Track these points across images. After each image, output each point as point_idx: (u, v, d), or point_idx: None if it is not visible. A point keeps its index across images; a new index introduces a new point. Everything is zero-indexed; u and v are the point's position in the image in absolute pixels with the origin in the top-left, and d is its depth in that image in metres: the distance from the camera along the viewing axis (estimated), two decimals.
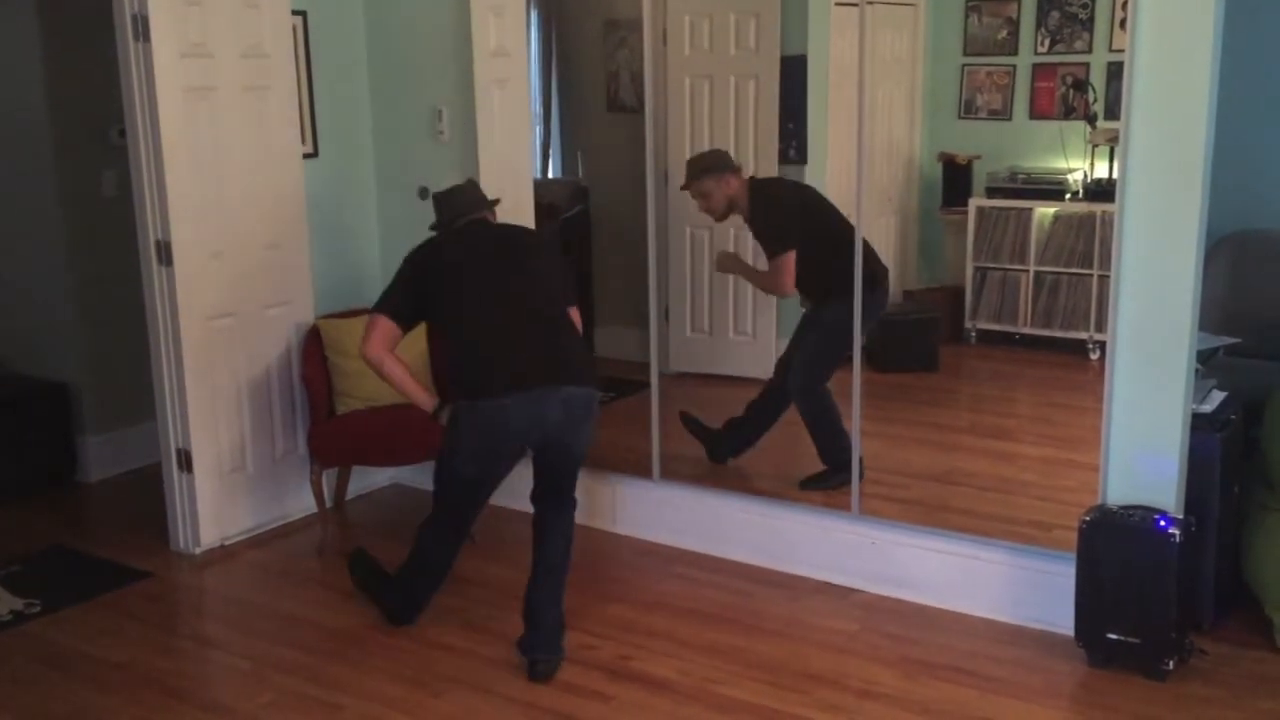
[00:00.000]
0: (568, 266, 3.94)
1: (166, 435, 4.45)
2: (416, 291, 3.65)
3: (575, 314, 3.72)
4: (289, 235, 4.64)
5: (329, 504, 4.72)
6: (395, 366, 3.63)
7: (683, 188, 4.60)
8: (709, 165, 4.54)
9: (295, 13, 4.61)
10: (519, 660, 3.57)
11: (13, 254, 5.27)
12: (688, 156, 5.02)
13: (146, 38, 4.11)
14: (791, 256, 4.37)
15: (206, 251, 4.37)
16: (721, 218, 4.58)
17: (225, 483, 4.53)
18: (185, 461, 4.44)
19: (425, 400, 3.68)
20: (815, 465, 4.45)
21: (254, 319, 4.56)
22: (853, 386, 4.11)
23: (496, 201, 3.93)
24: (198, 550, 4.48)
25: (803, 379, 4.51)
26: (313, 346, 4.61)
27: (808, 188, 4.75)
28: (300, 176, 4.66)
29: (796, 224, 4.47)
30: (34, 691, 3.54)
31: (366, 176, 5.00)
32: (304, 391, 4.63)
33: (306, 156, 4.73)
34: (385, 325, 3.62)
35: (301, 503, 4.72)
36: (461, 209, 3.82)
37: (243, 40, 4.39)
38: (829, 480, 4.33)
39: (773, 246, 4.45)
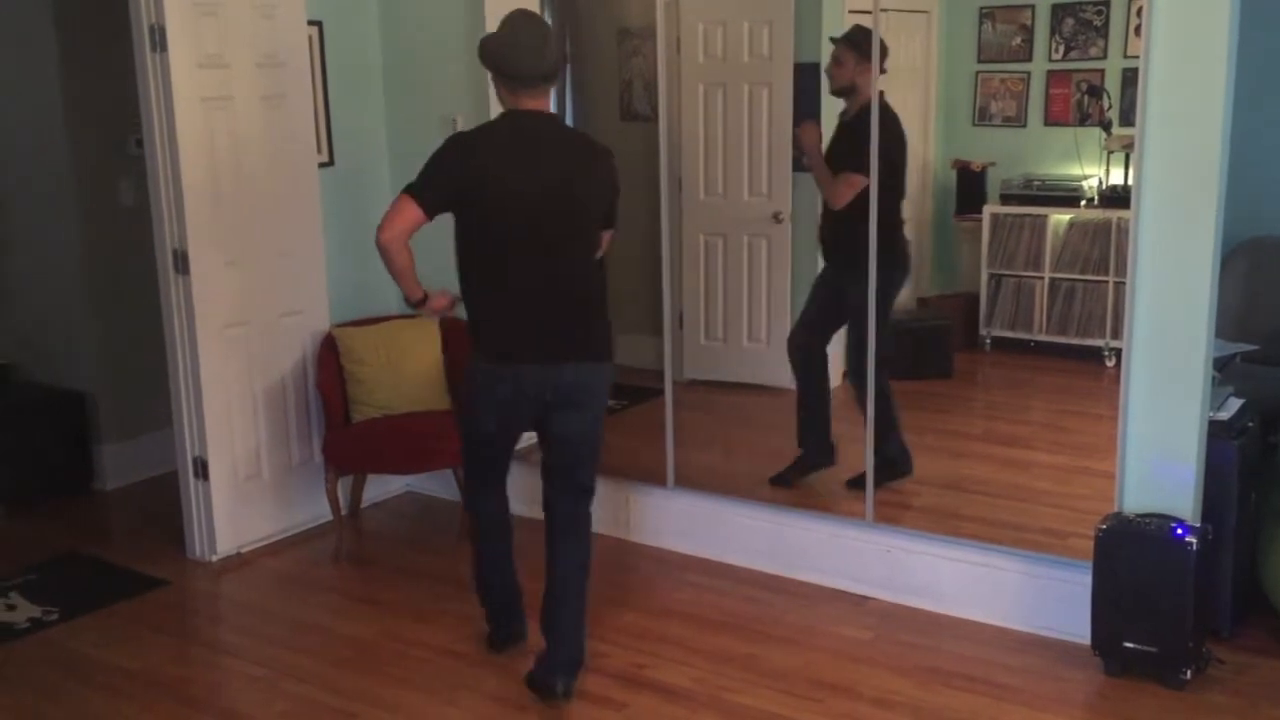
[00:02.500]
0: (612, 190, 3.47)
1: (183, 443, 4.47)
2: (453, 188, 3.25)
3: (606, 238, 3.49)
4: (304, 244, 4.66)
5: (344, 511, 4.73)
6: (401, 255, 3.30)
7: (833, 38, 4.38)
8: (862, 48, 4.15)
9: (310, 22, 4.64)
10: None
11: (31, 263, 5.31)
12: (702, 164, 5.03)
13: (163, 48, 4.14)
14: (861, 181, 4.06)
15: (223, 260, 4.39)
16: (835, 91, 4.34)
17: (241, 490, 4.55)
18: (201, 469, 4.46)
19: (413, 291, 3.45)
20: (832, 474, 4.45)
21: (270, 327, 4.58)
22: (868, 392, 4.10)
23: (559, 68, 3.33)
24: (214, 558, 4.50)
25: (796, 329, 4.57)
26: (328, 354, 4.62)
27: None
28: (316, 185, 4.68)
29: (882, 162, 4.13)
30: (51, 699, 3.55)
31: (381, 185, 5.01)
32: (319, 399, 4.64)
33: (322, 165, 4.75)
34: (411, 211, 3.23)
35: (317, 510, 4.73)
36: (527, 79, 3.26)
37: (258, 50, 4.41)
38: (796, 469, 4.39)
39: (855, 163, 4.13)
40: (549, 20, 4.96)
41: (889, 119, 4.10)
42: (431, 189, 3.24)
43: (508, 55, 3.24)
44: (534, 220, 3.25)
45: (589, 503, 3.51)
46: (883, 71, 4.16)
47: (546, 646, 3.45)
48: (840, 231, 4.37)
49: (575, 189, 3.30)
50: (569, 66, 6.23)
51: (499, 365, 3.32)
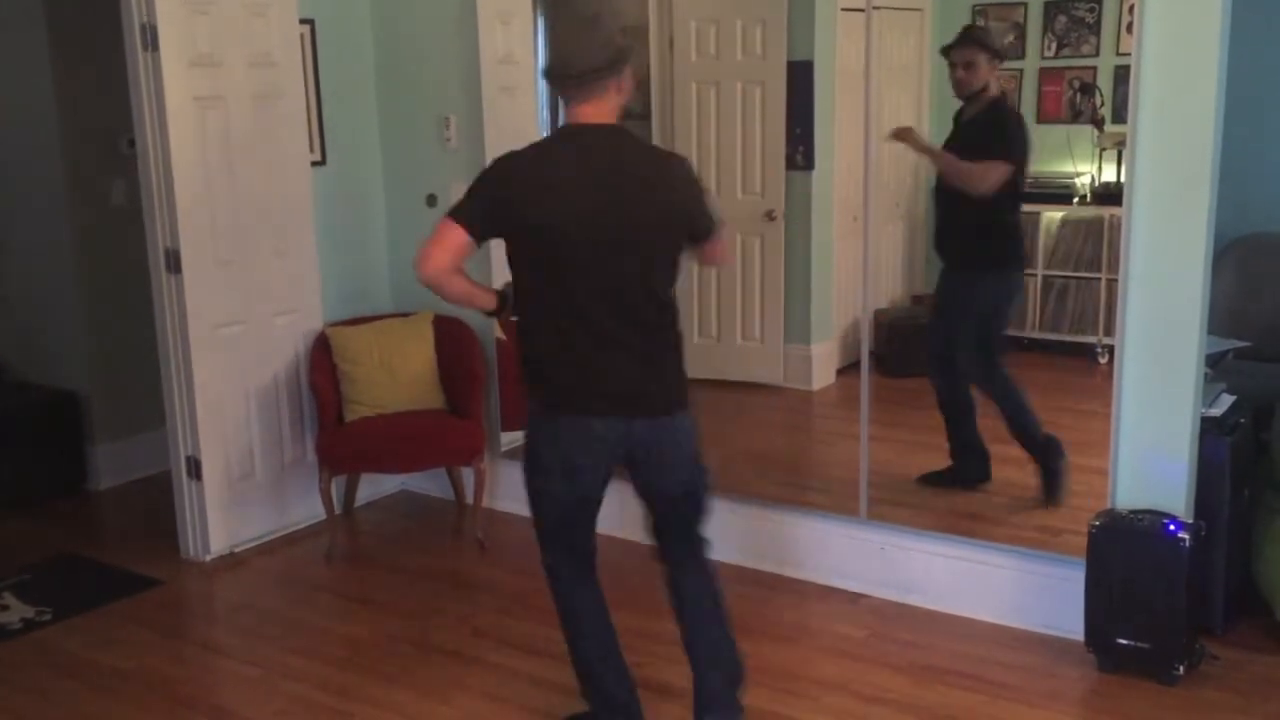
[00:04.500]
0: (692, 199, 2.86)
1: (176, 443, 4.46)
2: (494, 212, 2.76)
3: (714, 249, 2.94)
4: (297, 243, 4.65)
5: (338, 511, 4.72)
6: (457, 284, 2.81)
7: (948, 48, 4.27)
8: (992, 46, 4.19)
9: (303, 21, 4.63)
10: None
11: (23, 263, 5.30)
12: (695, 162, 5.02)
13: (155, 47, 4.13)
14: (1007, 170, 4.09)
15: (215, 260, 4.38)
16: (961, 93, 4.25)
17: (234, 490, 4.54)
18: (195, 469, 4.45)
19: (488, 301, 2.92)
20: (826, 471, 4.44)
21: (262, 327, 4.57)
22: (861, 389, 4.11)
23: (613, 62, 2.69)
24: (207, 557, 4.49)
25: (980, 361, 4.42)
26: (321, 354, 4.62)
27: None
28: (308, 184, 4.67)
29: (1022, 156, 4.21)
30: (45, 700, 3.55)
31: (374, 184, 5.01)
32: (312, 398, 4.64)
33: (314, 164, 4.74)
34: (455, 235, 2.72)
35: (310, 509, 4.72)
36: (562, 79, 2.73)
37: (251, 49, 4.40)
38: (1047, 482, 4.24)
39: (999, 151, 4.18)
40: (542, 18, 4.94)
41: (1016, 118, 4.26)
42: (469, 211, 2.78)
43: (548, 50, 2.86)
44: (581, 254, 2.74)
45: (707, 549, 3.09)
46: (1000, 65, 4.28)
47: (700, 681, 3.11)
48: (970, 234, 4.34)
49: (635, 215, 2.75)
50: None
51: (546, 415, 2.90)
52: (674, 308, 2.91)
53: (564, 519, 3.04)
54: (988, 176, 4.17)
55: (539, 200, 2.73)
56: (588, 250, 2.74)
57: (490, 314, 2.99)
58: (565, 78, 2.72)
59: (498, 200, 2.77)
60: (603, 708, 3.14)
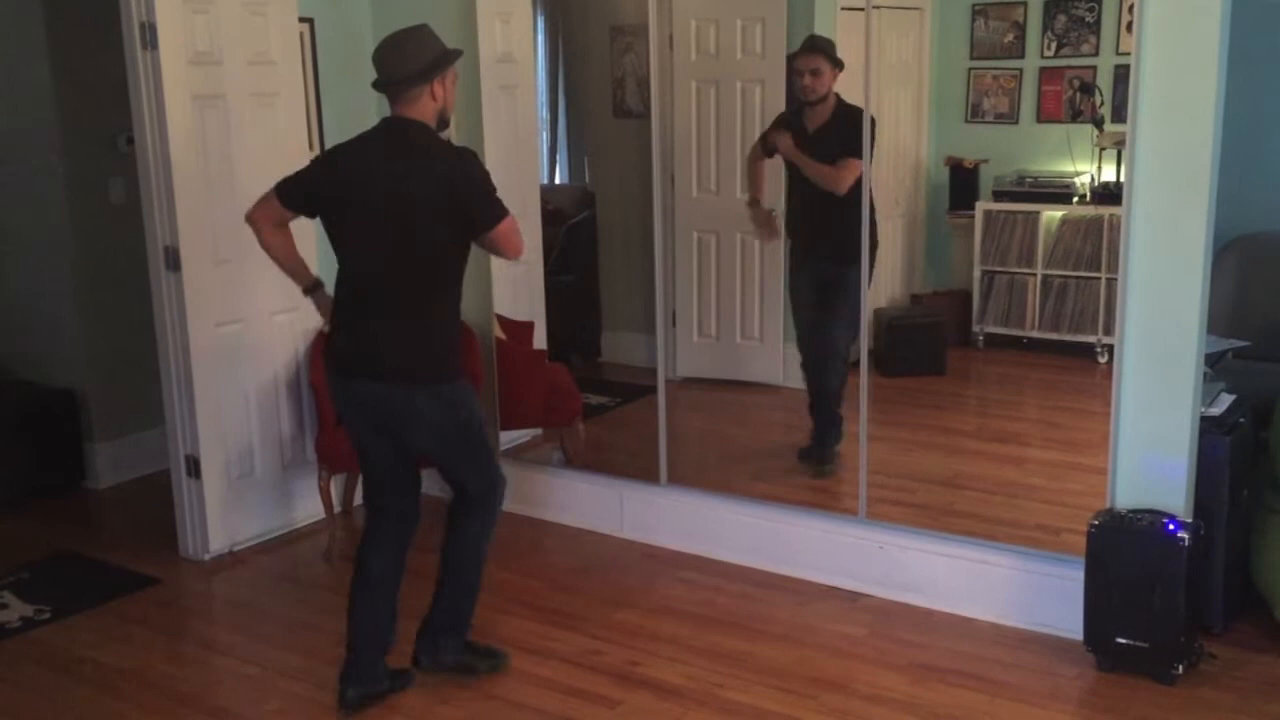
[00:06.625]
0: (465, 194, 3.20)
1: (175, 442, 4.46)
2: (310, 191, 3.31)
3: (495, 240, 3.24)
4: (296, 241, 4.63)
5: (337, 509, 4.72)
6: (273, 237, 3.37)
7: (794, 55, 4.46)
8: (834, 56, 4.36)
9: (302, 19, 4.63)
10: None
11: (21, 261, 5.29)
12: (694, 161, 5.02)
13: (154, 45, 4.13)
14: (859, 166, 4.15)
15: (214, 258, 4.38)
16: (807, 98, 4.41)
17: (234, 489, 4.54)
18: (194, 468, 4.45)
19: (303, 276, 3.44)
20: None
21: (262, 325, 4.57)
22: (860, 388, 4.11)
23: (410, 79, 3.18)
24: (206, 556, 4.49)
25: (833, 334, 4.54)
26: (320, 352, 4.61)
27: None
28: None
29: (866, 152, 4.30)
30: (43, 698, 3.55)
31: None
32: (312, 397, 4.64)
33: None
34: (271, 203, 3.33)
35: (310, 508, 4.72)
36: (378, 85, 3.25)
37: (250, 47, 4.40)
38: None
39: (851, 150, 4.19)
40: (541, 17, 4.95)
41: (855, 113, 4.19)
42: (289, 186, 3.32)
43: (373, 61, 3.28)
44: (370, 226, 3.21)
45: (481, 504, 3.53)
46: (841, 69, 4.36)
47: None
48: (837, 224, 4.34)
49: (412, 197, 3.17)
50: (561, 64, 6.22)
51: (336, 376, 3.33)
52: (444, 284, 3.27)
53: (367, 472, 3.48)
54: (841, 178, 4.25)
55: (330, 175, 3.29)
56: (355, 220, 3.22)
57: (305, 291, 3.47)
58: (385, 84, 3.23)
59: (313, 178, 3.33)
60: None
